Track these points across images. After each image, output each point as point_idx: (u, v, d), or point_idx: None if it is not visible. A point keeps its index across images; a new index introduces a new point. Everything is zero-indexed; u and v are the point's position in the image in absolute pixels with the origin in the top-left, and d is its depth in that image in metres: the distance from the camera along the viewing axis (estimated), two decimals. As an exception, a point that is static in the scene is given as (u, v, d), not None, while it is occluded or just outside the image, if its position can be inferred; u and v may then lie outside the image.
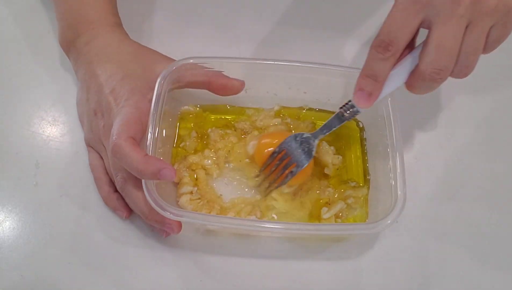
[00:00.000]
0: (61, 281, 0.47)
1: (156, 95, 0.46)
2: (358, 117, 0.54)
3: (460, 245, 0.50)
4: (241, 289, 0.47)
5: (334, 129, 0.47)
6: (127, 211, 0.49)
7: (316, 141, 0.48)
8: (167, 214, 0.42)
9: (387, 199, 0.44)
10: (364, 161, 0.52)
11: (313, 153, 0.48)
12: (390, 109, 0.47)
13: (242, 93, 0.51)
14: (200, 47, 0.60)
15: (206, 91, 0.50)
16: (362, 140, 0.54)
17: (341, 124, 0.46)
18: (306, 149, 0.48)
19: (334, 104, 0.53)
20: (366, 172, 0.52)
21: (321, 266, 0.48)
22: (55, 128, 0.55)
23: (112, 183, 0.49)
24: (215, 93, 0.51)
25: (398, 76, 0.42)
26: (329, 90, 0.52)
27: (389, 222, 0.42)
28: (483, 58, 0.60)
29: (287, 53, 0.60)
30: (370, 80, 0.41)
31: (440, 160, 0.55)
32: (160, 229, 0.47)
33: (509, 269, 0.49)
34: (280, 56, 0.50)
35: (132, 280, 0.47)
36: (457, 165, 0.54)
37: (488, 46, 0.41)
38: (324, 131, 0.47)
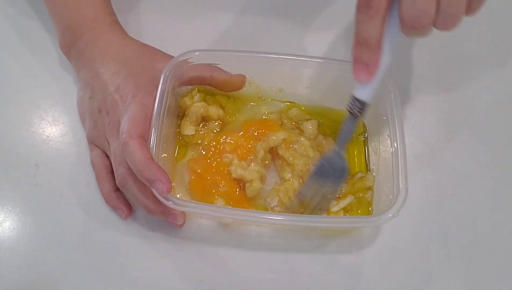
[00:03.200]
0: (61, 281, 0.47)
1: (160, 92, 0.46)
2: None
3: (461, 243, 0.50)
4: (243, 280, 0.47)
5: (354, 131, 0.45)
6: (127, 210, 0.49)
7: (343, 152, 0.46)
8: (170, 204, 0.42)
9: (388, 193, 0.44)
10: (367, 156, 0.52)
11: (346, 165, 0.46)
12: (393, 103, 0.47)
13: (245, 86, 0.51)
14: (195, 45, 0.59)
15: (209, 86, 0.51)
16: (364, 136, 0.54)
17: (358, 122, 0.44)
18: (338, 167, 0.45)
19: (338, 99, 0.53)
20: (368, 167, 0.52)
21: (323, 260, 0.48)
22: (55, 128, 0.55)
23: (113, 181, 0.49)
24: (218, 89, 0.51)
25: (390, 37, 0.39)
26: (334, 85, 0.52)
27: (390, 215, 0.42)
28: (483, 58, 0.61)
29: (287, 48, 0.60)
30: (363, 47, 0.38)
31: (441, 160, 0.55)
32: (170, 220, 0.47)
33: (509, 268, 0.49)
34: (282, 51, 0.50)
35: (132, 280, 0.47)
36: (458, 164, 0.54)
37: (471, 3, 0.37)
38: (346, 137, 0.45)
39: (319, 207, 0.47)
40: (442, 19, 0.37)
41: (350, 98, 0.42)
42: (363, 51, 0.38)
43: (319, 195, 0.46)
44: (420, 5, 0.36)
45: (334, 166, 0.45)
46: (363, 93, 0.41)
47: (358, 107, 0.42)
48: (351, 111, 0.42)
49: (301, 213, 0.47)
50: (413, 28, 0.37)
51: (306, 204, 0.47)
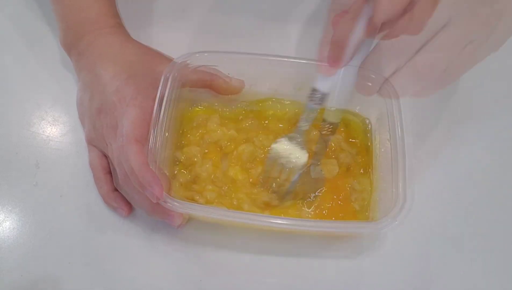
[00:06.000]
0: (61, 281, 0.47)
1: (160, 94, 0.46)
2: (364, 116, 0.54)
3: (462, 246, 0.50)
4: (242, 284, 0.47)
5: (312, 120, 0.47)
6: (127, 209, 0.49)
7: (301, 139, 0.48)
8: (168, 206, 0.42)
9: (389, 198, 0.44)
10: (370, 161, 0.52)
11: (306, 149, 0.48)
12: (392, 104, 0.47)
13: (245, 88, 0.51)
14: (195, 47, 0.59)
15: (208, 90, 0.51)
16: (368, 139, 0.53)
17: (316, 112, 0.47)
18: (298, 151, 0.48)
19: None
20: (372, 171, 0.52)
21: (322, 264, 0.48)
22: (55, 128, 0.55)
23: (111, 182, 0.49)
24: (217, 92, 0.51)
25: (357, 35, 0.42)
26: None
27: (390, 221, 0.42)
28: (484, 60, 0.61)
29: (287, 50, 0.60)
30: (335, 46, 0.41)
31: (441, 161, 0.54)
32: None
33: (510, 270, 0.49)
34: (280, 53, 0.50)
35: (132, 280, 0.47)
36: (458, 166, 0.54)
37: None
38: (305, 126, 0.48)
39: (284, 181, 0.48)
40: (414, 23, 0.39)
41: (311, 90, 0.45)
42: (335, 49, 0.42)
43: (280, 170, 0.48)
44: (396, 7, 0.37)
45: (295, 152, 0.48)
46: (324, 85, 0.45)
47: (318, 98, 0.45)
48: (311, 101, 0.46)
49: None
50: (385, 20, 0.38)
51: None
